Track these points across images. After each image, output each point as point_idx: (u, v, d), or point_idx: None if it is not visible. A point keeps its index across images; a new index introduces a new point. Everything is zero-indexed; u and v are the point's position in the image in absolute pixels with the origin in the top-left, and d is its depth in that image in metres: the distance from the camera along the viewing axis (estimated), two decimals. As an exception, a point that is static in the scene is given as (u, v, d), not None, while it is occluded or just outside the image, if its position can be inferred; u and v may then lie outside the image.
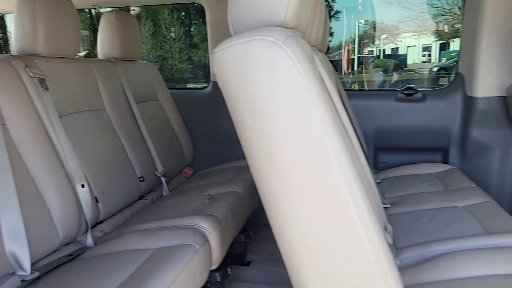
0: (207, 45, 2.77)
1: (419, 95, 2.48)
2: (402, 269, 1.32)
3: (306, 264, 0.82)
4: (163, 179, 2.14)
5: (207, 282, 1.59)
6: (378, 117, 2.55)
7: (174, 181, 2.33)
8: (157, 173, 2.12)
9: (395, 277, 0.80)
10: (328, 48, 3.97)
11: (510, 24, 2.04)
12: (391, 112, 2.53)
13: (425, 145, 2.53)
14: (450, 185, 2.04)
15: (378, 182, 2.28)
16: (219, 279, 1.58)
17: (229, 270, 1.65)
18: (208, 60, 3.78)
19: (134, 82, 2.26)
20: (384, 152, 2.63)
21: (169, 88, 2.65)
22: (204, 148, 2.76)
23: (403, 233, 1.56)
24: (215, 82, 2.81)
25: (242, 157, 2.61)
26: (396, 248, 1.45)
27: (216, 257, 1.49)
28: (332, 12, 3.98)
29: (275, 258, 2.25)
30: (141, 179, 1.96)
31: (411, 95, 2.49)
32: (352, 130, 2.07)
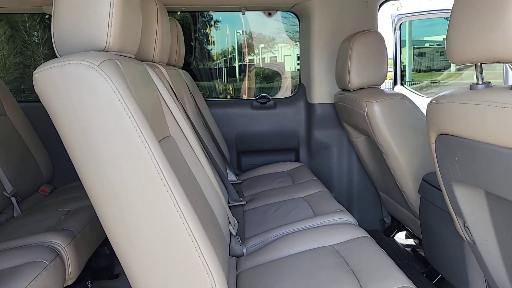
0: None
1: (271, 103, 2.80)
2: (248, 255, 1.52)
3: (139, 273, 0.91)
4: (13, 199, 1.99)
5: (64, 299, 1.56)
6: (238, 123, 2.79)
7: (29, 200, 2.17)
8: (5, 193, 1.96)
9: (218, 274, 0.92)
10: (208, 57, 4.12)
11: (333, 44, 2.48)
12: (249, 119, 2.80)
13: (280, 147, 2.87)
14: (297, 180, 2.37)
15: (239, 183, 2.51)
16: (77, 294, 1.56)
17: (90, 284, 1.64)
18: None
19: (-28, 96, 2.05)
20: (246, 155, 2.89)
21: (21, 101, 2.46)
22: (64, 163, 2.62)
23: (252, 225, 1.78)
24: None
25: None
26: (245, 238, 1.65)
27: (73, 272, 1.48)
28: (212, 22, 4.14)
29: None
30: (-15, 201, 1.80)
31: (264, 103, 2.80)
32: (208, 134, 2.25)
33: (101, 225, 1.88)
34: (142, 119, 0.85)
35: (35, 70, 0.85)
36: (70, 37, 0.90)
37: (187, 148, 1.36)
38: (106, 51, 0.93)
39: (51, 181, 2.50)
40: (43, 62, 0.83)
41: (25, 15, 4.58)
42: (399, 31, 4.16)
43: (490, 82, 1.09)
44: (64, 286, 1.45)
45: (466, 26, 0.99)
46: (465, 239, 1.33)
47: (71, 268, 1.45)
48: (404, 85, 4.23)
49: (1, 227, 1.82)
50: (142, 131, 0.84)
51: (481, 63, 1.04)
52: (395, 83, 4.16)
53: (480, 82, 1.07)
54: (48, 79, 0.82)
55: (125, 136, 0.83)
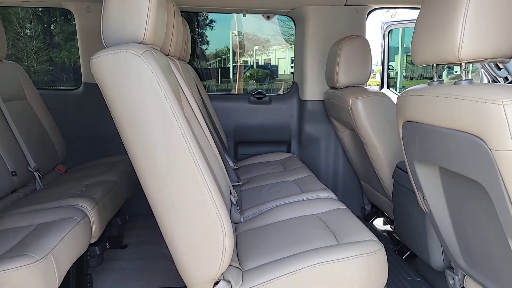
0: (72, 46, 2.86)
1: (266, 98, 3.09)
2: (245, 221, 1.80)
3: (174, 233, 1.16)
4: (36, 174, 2.23)
5: (87, 256, 1.82)
6: (236, 116, 3.07)
7: (47, 177, 2.41)
8: (29, 168, 2.20)
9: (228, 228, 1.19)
10: (205, 56, 4.37)
11: (325, 46, 2.76)
12: (246, 112, 3.08)
13: (274, 139, 3.15)
14: (288, 167, 2.65)
15: (236, 168, 2.78)
16: (98, 252, 1.82)
17: (107, 244, 1.90)
18: (74, 62, 3.81)
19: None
20: (243, 145, 3.16)
21: (38, 89, 2.70)
22: (77, 146, 2.88)
23: (248, 200, 2.05)
24: (86, 84, 2.95)
25: (114, 154, 2.80)
26: (242, 209, 1.92)
27: (96, 231, 1.73)
28: (207, 21, 4.37)
29: (151, 240, 2.53)
30: (13, 173, 2.04)
31: (260, 98, 3.08)
32: (210, 123, 2.51)
33: (118, 197, 2.14)
34: (173, 97, 1.12)
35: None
36: (116, 32, 1.17)
37: (199, 130, 1.63)
38: (143, 43, 1.20)
39: (64, 162, 2.74)
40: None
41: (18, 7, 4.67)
42: (387, 38, 4.41)
43: (443, 80, 1.38)
44: (89, 243, 1.70)
45: (426, 33, 1.26)
46: (424, 211, 1.61)
47: (94, 228, 1.71)
48: (391, 89, 4.52)
49: (27, 196, 2.07)
50: (173, 106, 1.11)
51: (436, 64, 1.33)
52: (381, 86, 4.45)
53: (435, 79, 1.36)
54: (103, 63, 1.09)
55: (161, 109, 1.10)
